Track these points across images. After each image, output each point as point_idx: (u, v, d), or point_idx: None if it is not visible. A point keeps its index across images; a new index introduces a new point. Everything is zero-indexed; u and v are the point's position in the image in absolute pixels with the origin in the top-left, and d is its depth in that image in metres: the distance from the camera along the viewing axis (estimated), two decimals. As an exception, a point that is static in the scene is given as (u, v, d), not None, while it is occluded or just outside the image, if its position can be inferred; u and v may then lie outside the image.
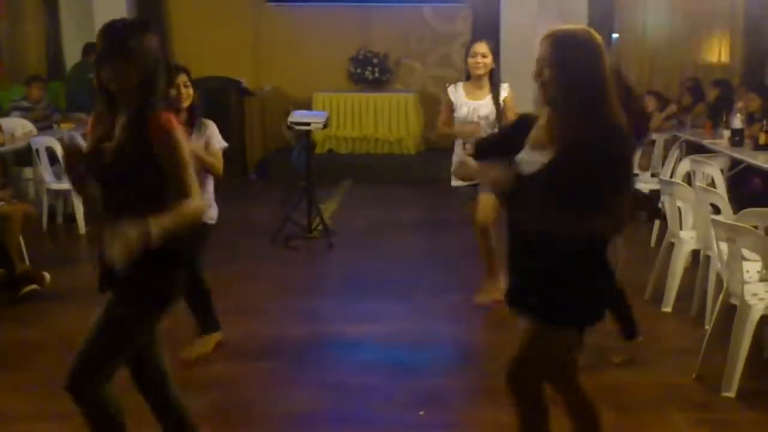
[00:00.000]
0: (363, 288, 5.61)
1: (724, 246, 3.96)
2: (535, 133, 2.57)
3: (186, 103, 4.07)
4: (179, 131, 2.56)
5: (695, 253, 5.01)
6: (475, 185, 4.67)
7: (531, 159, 2.53)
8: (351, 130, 10.01)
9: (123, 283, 2.57)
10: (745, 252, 3.87)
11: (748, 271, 4.01)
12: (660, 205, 5.62)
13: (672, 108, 8.15)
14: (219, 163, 4.10)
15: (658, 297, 5.05)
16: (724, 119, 7.51)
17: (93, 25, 8.58)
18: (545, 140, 2.52)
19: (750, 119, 7.02)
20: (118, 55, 2.51)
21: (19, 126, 7.52)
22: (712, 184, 5.53)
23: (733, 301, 3.89)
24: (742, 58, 9.82)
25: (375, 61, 10.27)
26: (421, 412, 3.69)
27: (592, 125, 2.42)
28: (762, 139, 6.38)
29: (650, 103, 8.05)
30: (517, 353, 2.65)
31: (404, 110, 9.98)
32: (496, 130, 4.75)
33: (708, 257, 4.67)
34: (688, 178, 5.97)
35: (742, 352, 3.74)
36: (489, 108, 4.78)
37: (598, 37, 2.51)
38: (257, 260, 6.29)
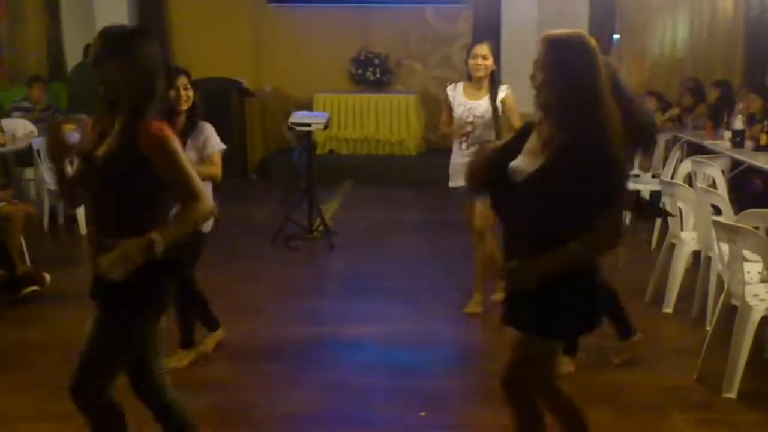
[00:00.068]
0: (363, 289, 5.61)
1: (725, 247, 3.96)
2: (532, 139, 2.58)
3: (185, 106, 4.02)
4: (172, 138, 2.53)
5: (696, 254, 5.01)
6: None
7: (523, 165, 2.53)
8: (352, 131, 10.02)
9: (114, 288, 2.57)
10: (746, 253, 3.86)
11: (749, 272, 4.01)
12: (661, 205, 5.61)
13: (674, 111, 8.14)
14: (217, 169, 4.04)
15: (659, 298, 5.04)
16: (725, 120, 7.51)
17: (94, 25, 8.59)
18: (538, 145, 2.52)
19: (751, 120, 7.02)
20: (110, 56, 2.50)
21: (20, 126, 7.52)
22: (713, 185, 5.53)
23: (734, 302, 3.88)
24: (743, 59, 9.81)
25: (376, 61, 10.28)
26: (422, 413, 3.68)
27: (586, 129, 2.41)
28: (763, 140, 6.38)
29: (651, 104, 8.04)
30: (509, 359, 2.66)
31: (405, 111, 9.99)
32: (492, 130, 4.74)
33: (709, 258, 4.67)
34: (689, 179, 5.97)
35: (743, 352, 3.73)
36: (485, 108, 4.76)
37: (593, 42, 2.51)
38: (258, 261, 6.29)
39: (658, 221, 6.47)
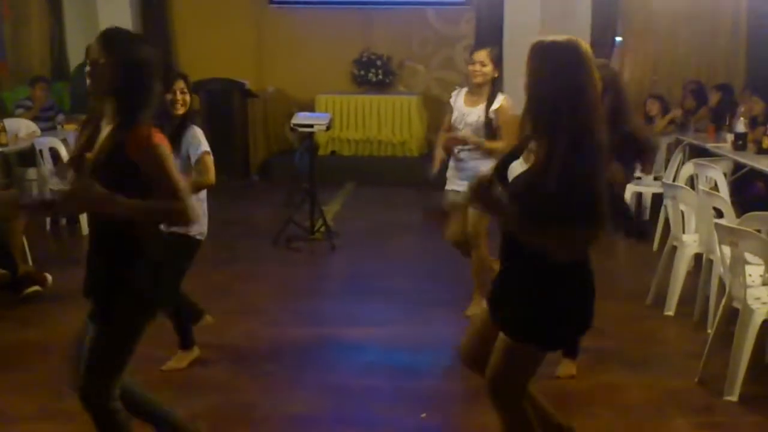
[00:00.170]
0: (365, 290, 5.61)
1: (726, 250, 3.96)
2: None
3: (181, 111, 3.97)
4: (162, 146, 2.54)
5: (698, 257, 5.01)
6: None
7: (519, 169, 2.54)
8: (354, 132, 10.01)
9: (109, 287, 2.60)
10: (748, 256, 3.86)
11: (750, 275, 4.00)
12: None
13: (676, 112, 8.11)
14: (206, 173, 3.96)
15: (661, 300, 5.04)
16: (727, 123, 7.50)
17: (97, 26, 8.57)
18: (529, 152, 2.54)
19: (753, 123, 7.01)
20: (104, 57, 2.52)
21: (23, 126, 7.53)
22: (715, 187, 5.53)
23: (736, 305, 3.88)
24: (746, 62, 9.80)
25: (378, 63, 10.27)
26: (423, 415, 3.69)
27: (566, 137, 2.40)
28: (765, 143, 6.37)
29: (653, 107, 8.04)
30: (492, 360, 2.65)
31: (407, 112, 9.98)
32: (482, 138, 4.66)
33: (710, 261, 4.66)
34: (691, 182, 5.97)
35: (744, 356, 3.73)
36: (477, 116, 4.67)
37: (583, 48, 2.49)
38: (259, 261, 6.29)
39: (662, 225, 6.47)
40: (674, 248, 5.10)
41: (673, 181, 6.16)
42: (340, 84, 10.31)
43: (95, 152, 2.56)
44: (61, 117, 8.30)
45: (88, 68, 2.56)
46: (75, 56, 9.68)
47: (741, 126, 6.67)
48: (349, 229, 7.21)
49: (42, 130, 7.66)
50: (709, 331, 4.25)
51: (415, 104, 9.99)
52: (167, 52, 9.94)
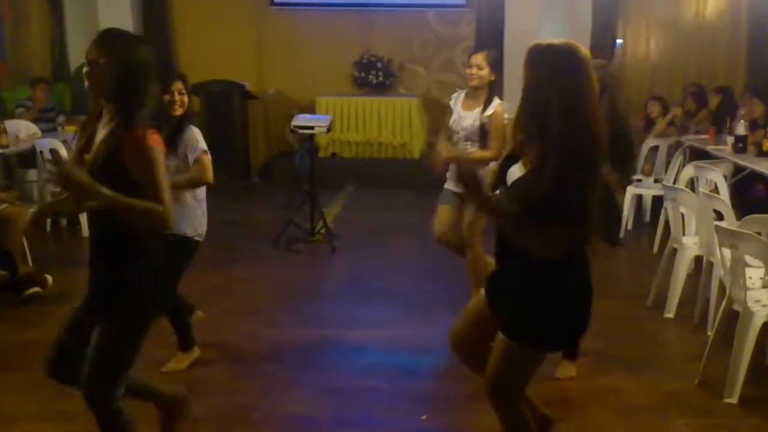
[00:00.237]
0: (365, 291, 5.61)
1: (726, 252, 3.96)
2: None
3: (179, 112, 3.96)
4: (155, 149, 2.55)
5: (698, 259, 5.01)
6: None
7: (517, 172, 2.55)
8: (354, 134, 10.02)
9: (110, 289, 2.63)
10: (748, 258, 3.86)
11: (750, 278, 4.00)
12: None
13: (676, 110, 8.08)
14: (204, 172, 3.97)
15: (661, 303, 5.04)
16: (727, 125, 7.50)
17: (98, 27, 8.57)
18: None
19: (753, 126, 7.02)
20: (102, 56, 2.54)
21: (24, 128, 7.53)
22: (716, 190, 5.53)
23: (736, 307, 3.88)
24: (747, 65, 9.82)
25: (379, 65, 10.29)
26: (423, 417, 3.69)
27: (562, 140, 2.40)
28: (765, 146, 6.38)
29: (654, 109, 8.04)
30: (490, 360, 2.66)
31: (408, 114, 9.99)
32: (477, 145, 4.63)
33: (711, 263, 4.67)
34: (692, 184, 5.97)
35: (744, 358, 3.73)
36: (471, 121, 4.64)
37: (581, 52, 2.48)
38: (259, 263, 6.30)
39: (660, 227, 6.47)
40: (674, 250, 5.10)
41: (674, 183, 6.16)
42: (340, 86, 10.33)
43: (93, 154, 2.57)
44: (61, 118, 8.30)
45: (86, 69, 2.57)
46: (76, 57, 9.70)
47: (741, 128, 6.68)
48: (349, 230, 7.21)
49: (43, 131, 7.66)
50: (709, 333, 4.26)
51: (416, 106, 10.00)
52: (168, 54, 9.96)
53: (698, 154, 7.15)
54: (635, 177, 7.43)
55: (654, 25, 10.05)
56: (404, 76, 10.52)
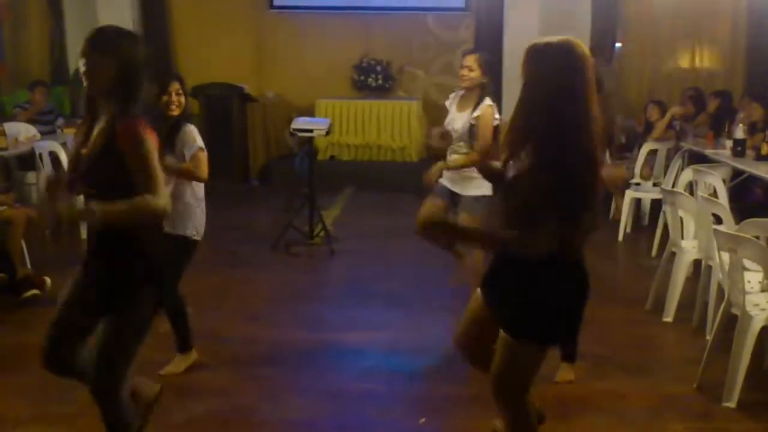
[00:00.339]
0: (364, 294, 5.61)
1: (725, 256, 3.96)
2: None
3: (176, 112, 3.98)
4: (147, 137, 2.60)
5: (697, 263, 5.02)
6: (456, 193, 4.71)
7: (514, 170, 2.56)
8: (354, 137, 10.02)
9: (112, 287, 2.66)
10: (747, 262, 3.87)
11: (749, 282, 4.01)
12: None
13: (675, 109, 8.04)
14: (199, 167, 3.97)
15: (659, 306, 5.04)
16: (726, 129, 7.51)
17: (97, 30, 8.59)
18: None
19: (752, 129, 7.03)
20: (94, 51, 2.58)
21: (23, 130, 7.53)
22: (714, 194, 5.53)
23: (735, 311, 3.88)
24: (745, 68, 9.83)
25: (378, 68, 10.29)
26: (421, 420, 3.69)
27: (560, 139, 2.41)
28: (764, 150, 6.38)
29: (653, 113, 8.04)
30: (495, 360, 2.67)
31: (407, 118, 9.99)
32: (467, 145, 4.64)
33: (709, 267, 4.67)
34: (690, 188, 5.98)
35: (743, 362, 3.73)
36: (462, 122, 4.66)
37: (578, 49, 2.48)
38: (258, 266, 6.30)
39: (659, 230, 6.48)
40: (673, 254, 5.10)
41: (672, 187, 6.16)
42: (339, 89, 10.33)
43: (89, 147, 2.61)
44: (60, 121, 8.31)
45: (83, 67, 2.59)
46: (75, 60, 9.68)
47: (740, 132, 6.68)
48: (348, 233, 7.21)
49: (42, 134, 7.66)
50: (708, 337, 4.26)
51: (415, 109, 10.00)
52: (167, 57, 9.96)
53: (697, 158, 7.16)
54: (634, 181, 7.44)
55: (653, 29, 10.05)
56: (403, 80, 10.52)
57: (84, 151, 2.64)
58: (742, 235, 3.79)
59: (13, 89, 9.12)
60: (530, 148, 2.48)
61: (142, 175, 2.57)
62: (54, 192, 2.69)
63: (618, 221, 7.20)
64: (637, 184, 7.41)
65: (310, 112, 9.33)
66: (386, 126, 10.00)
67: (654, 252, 6.40)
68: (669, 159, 7.47)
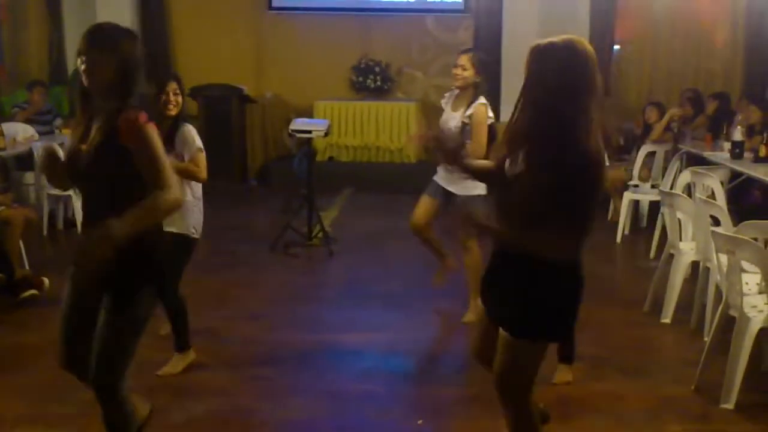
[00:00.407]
0: (362, 295, 5.61)
1: (723, 258, 3.97)
2: None
3: (173, 112, 4.00)
4: (149, 127, 2.61)
5: (695, 265, 5.02)
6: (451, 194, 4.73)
7: (517, 169, 2.56)
8: (352, 139, 10.02)
9: (109, 289, 2.68)
10: (745, 264, 3.87)
11: (747, 283, 4.01)
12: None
13: (673, 111, 8.04)
14: (198, 166, 4.00)
15: (657, 308, 5.05)
16: (724, 131, 7.52)
17: (96, 30, 8.58)
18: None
19: (750, 132, 7.03)
20: (94, 46, 2.59)
21: (21, 130, 7.53)
22: (712, 195, 5.54)
23: (732, 313, 3.89)
24: (743, 70, 9.84)
25: (377, 69, 10.29)
26: (420, 421, 3.69)
27: (561, 139, 2.41)
28: (762, 152, 6.39)
29: (652, 115, 8.05)
30: (497, 359, 2.68)
31: (406, 119, 9.99)
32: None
33: (707, 269, 4.67)
34: (688, 190, 5.98)
35: (741, 364, 3.74)
36: (455, 122, 4.68)
37: (581, 48, 2.47)
38: (257, 267, 6.30)
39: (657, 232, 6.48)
40: (671, 256, 5.11)
41: (671, 189, 6.17)
42: (338, 90, 10.33)
43: (88, 143, 2.62)
44: (58, 121, 8.29)
45: (81, 65, 2.60)
46: (73, 61, 9.66)
47: (738, 134, 6.69)
48: (346, 234, 7.22)
49: (40, 134, 7.65)
50: (706, 338, 4.26)
51: (414, 111, 10.00)
52: (166, 58, 9.96)
53: (695, 160, 7.17)
54: (632, 182, 7.45)
55: (652, 31, 10.06)
56: (402, 81, 10.53)
57: (83, 147, 2.63)
58: (740, 237, 3.79)
59: (11, 89, 9.12)
60: (530, 148, 2.49)
61: (150, 170, 2.57)
62: (53, 167, 2.70)
63: (616, 223, 7.21)
64: (636, 185, 7.42)
65: (308, 113, 9.33)
66: (385, 127, 10.00)
67: (652, 254, 6.41)
68: (667, 161, 7.48)
